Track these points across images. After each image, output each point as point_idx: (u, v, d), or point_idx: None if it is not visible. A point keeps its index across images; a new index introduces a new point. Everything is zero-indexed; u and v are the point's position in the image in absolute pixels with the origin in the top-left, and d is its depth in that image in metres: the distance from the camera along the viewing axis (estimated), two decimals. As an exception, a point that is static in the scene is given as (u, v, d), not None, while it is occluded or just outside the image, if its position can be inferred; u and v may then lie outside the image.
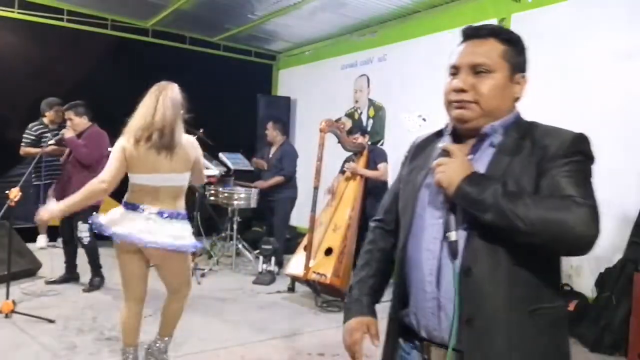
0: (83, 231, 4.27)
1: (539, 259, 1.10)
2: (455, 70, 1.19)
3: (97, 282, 4.43)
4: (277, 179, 5.53)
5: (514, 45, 1.21)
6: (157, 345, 2.93)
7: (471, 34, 1.21)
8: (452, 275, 1.09)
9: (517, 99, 1.22)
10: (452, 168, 1.11)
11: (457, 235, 1.10)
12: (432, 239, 1.16)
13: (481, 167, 1.14)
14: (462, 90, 1.16)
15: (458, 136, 1.22)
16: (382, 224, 1.42)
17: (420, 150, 1.33)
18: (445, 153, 1.15)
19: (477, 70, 1.16)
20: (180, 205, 2.65)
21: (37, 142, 5.06)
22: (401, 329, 1.27)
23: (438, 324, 1.14)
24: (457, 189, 1.09)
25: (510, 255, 1.08)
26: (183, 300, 2.85)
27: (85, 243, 4.33)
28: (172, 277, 2.76)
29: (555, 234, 1.01)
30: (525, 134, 1.15)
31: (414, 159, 1.33)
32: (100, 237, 2.58)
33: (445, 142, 1.21)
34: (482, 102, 1.15)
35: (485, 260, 1.09)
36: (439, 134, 1.31)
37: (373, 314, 1.36)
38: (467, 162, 1.12)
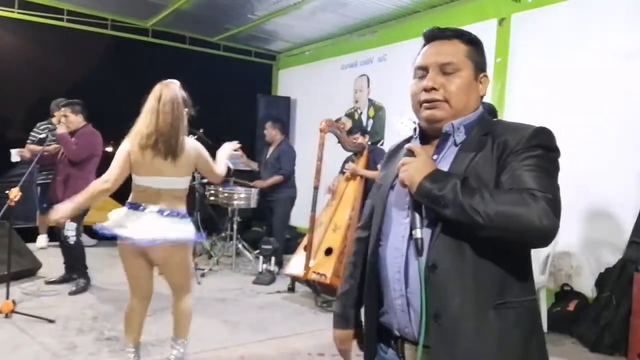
0: (70, 230, 4.21)
1: (504, 253, 1.10)
2: (422, 72, 1.22)
3: (82, 283, 4.34)
4: (276, 178, 5.53)
5: (476, 46, 1.24)
6: (175, 351, 2.87)
7: (435, 35, 1.24)
8: (418, 272, 1.11)
9: (481, 97, 1.26)
10: (414, 167, 1.13)
11: (422, 233, 1.11)
12: (400, 238, 1.19)
13: (445, 165, 1.16)
14: (432, 89, 1.18)
15: (426, 138, 1.26)
16: (364, 233, 1.42)
17: (392, 157, 1.37)
18: (410, 153, 1.19)
19: (445, 69, 1.19)
20: (181, 206, 2.68)
21: (43, 141, 5.07)
22: (378, 329, 1.28)
23: (409, 320, 1.16)
24: (419, 186, 1.11)
25: (475, 250, 1.09)
26: (188, 298, 2.85)
27: (71, 242, 4.27)
28: (174, 274, 2.76)
29: (514, 228, 1.02)
30: (487, 131, 1.17)
31: (386, 166, 1.37)
32: (102, 237, 2.58)
33: (412, 145, 1.25)
34: (452, 100, 1.18)
35: (450, 256, 1.10)
36: (409, 140, 1.34)
37: (359, 325, 1.42)
38: (429, 161, 1.15)
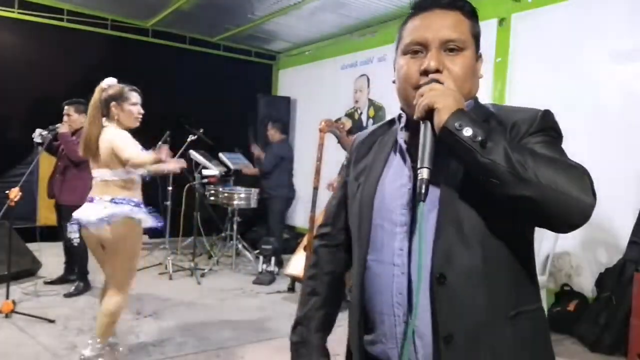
0: (72, 232, 4.22)
1: (516, 251, 0.96)
2: (418, 48, 1.01)
3: (80, 287, 4.32)
4: (253, 170, 5.82)
5: (476, 20, 1.06)
6: (88, 348, 2.76)
7: (434, 2, 1.02)
8: (418, 234, 0.88)
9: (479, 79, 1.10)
10: (441, 91, 0.92)
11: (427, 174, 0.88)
12: (398, 251, 0.98)
13: (444, 161, 0.95)
14: (437, 72, 0.98)
15: (413, 129, 1.02)
16: (326, 239, 1.23)
17: (367, 148, 1.14)
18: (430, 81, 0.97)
19: (448, 47, 0.99)
20: (124, 194, 2.76)
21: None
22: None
23: (414, 352, 0.95)
24: (457, 112, 0.88)
25: (485, 249, 0.92)
26: (115, 296, 2.74)
27: (75, 244, 4.29)
28: (105, 260, 2.82)
29: (562, 198, 0.82)
30: (487, 116, 1.01)
31: (360, 159, 1.13)
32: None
33: (401, 137, 1.06)
34: (457, 84, 0.98)
35: (460, 262, 0.92)
36: (389, 125, 1.15)
37: (325, 355, 1.21)
38: (459, 96, 0.93)
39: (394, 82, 1.09)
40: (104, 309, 2.76)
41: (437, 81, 0.96)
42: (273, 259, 5.13)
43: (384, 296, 1.00)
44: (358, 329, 1.07)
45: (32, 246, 4.57)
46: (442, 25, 1.00)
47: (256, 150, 6.08)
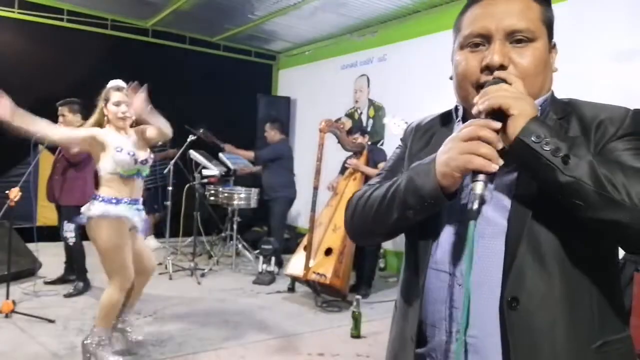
0: (68, 231, 4.23)
1: (599, 271, 0.83)
2: (479, 40, 0.88)
3: (80, 287, 4.31)
4: (248, 153, 5.77)
5: (547, 3, 0.93)
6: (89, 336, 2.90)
7: None
8: (467, 248, 0.79)
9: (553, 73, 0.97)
10: (519, 96, 0.80)
11: (484, 192, 0.77)
12: (457, 261, 0.89)
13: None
14: (501, 67, 0.85)
15: None
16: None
17: (424, 142, 1.03)
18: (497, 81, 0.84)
19: (515, 38, 0.86)
20: (101, 191, 2.83)
21: None
22: None
23: None
24: (535, 121, 0.76)
25: (565, 272, 0.81)
26: (110, 288, 2.84)
27: (70, 244, 4.30)
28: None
29: None
30: (565, 113, 0.89)
31: (417, 152, 1.02)
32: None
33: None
34: (527, 82, 0.85)
35: (535, 285, 0.80)
36: (444, 120, 1.03)
37: None
38: (535, 104, 0.82)
39: (451, 78, 0.97)
40: (103, 299, 2.86)
41: (504, 81, 0.83)
42: (273, 259, 5.13)
43: (437, 306, 0.90)
44: (412, 343, 0.93)
45: (31, 246, 4.56)
46: (507, 12, 0.87)
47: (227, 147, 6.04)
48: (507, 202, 0.85)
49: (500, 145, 0.78)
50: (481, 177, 0.77)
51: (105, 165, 2.81)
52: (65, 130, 2.89)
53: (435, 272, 0.91)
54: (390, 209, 0.90)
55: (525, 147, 0.76)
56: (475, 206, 0.76)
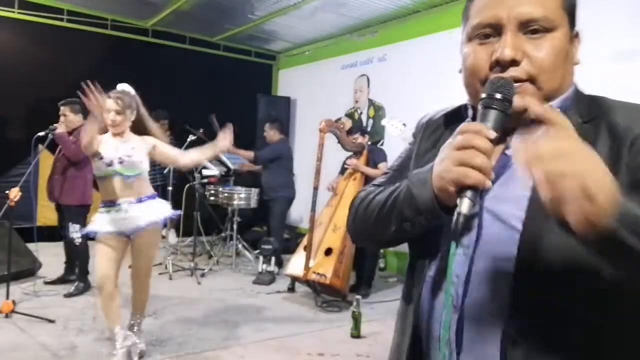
0: (74, 232, 4.23)
1: (620, 309, 0.71)
2: (488, 31, 0.78)
3: (80, 287, 4.31)
4: (248, 153, 5.66)
5: None
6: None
7: None
8: (447, 287, 0.73)
9: (575, 66, 0.84)
10: (579, 163, 0.57)
11: (471, 210, 0.68)
12: (454, 278, 0.79)
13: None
14: (512, 63, 0.75)
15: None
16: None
17: (432, 142, 0.93)
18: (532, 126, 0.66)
19: (529, 28, 0.75)
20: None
21: None
22: None
23: None
24: (621, 205, 0.56)
25: (578, 310, 0.70)
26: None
27: (77, 244, 4.31)
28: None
29: None
30: (591, 116, 0.76)
31: (424, 153, 0.93)
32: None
33: None
34: (543, 78, 0.75)
35: (542, 323, 0.71)
36: (452, 118, 0.91)
37: None
38: (587, 149, 0.59)
39: (460, 72, 0.87)
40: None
41: (519, 80, 0.74)
42: (273, 259, 5.13)
43: (431, 324, 0.82)
44: (406, 354, 0.87)
45: (31, 246, 4.56)
46: None
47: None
48: (517, 220, 0.74)
49: (494, 156, 0.71)
50: (469, 193, 0.68)
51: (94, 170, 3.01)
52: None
53: (430, 289, 0.84)
54: (389, 218, 0.83)
55: (612, 240, 0.57)
56: (458, 227, 0.67)
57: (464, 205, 0.68)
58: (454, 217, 0.67)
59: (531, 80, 0.75)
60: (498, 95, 0.71)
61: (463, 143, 0.70)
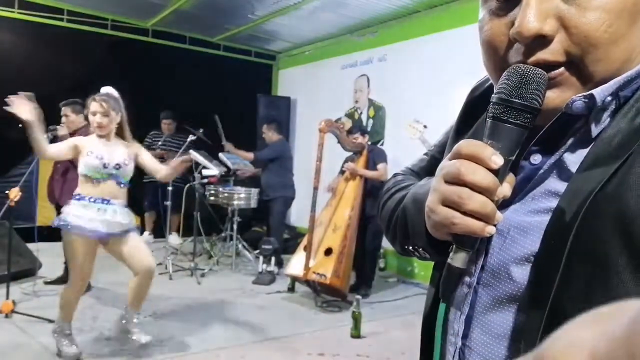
0: None
1: None
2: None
3: None
4: (248, 154, 5.80)
5: None
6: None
7: None
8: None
9: None
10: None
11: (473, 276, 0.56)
12: (466, 288, 0.61)
13: (557, 184, 0.54)
14: (538, 39, 0.51)
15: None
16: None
17: (469, 125, 0.69)
18: None
19: None
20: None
21: (148, 146, 5.58)
22: None
23: None
24: None
25: None
26: (67, 286, 3.12)
27: None
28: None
29: None
30: None
31: (460, 134, 0.69)
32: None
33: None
34: (594, 57, 0.50)
35: None
36: (483, 97, 0.67)
37: None
38: None
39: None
40: (61, 294, 3.15)
41: (553, 64, 0.51)
42: (273, 259, 5.13)
43: (437, 346, 0.66)
44: None
45: (31, 246, 4.57)
46: None
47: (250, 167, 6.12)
48: (529, 249, 0.54)
49: (501, 192, 0.53)
50: (465, 242, 0.52)
51: (79, 167, 2.96)
52: (54, 146, 3.01)
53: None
54: (394, 231, 0.69)
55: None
56: (449, 284, 0.54)
57: (457, 257, 0.53)
58: (444, 271, 0.54)
59: (573, 63, 0.51)
60: (516, 102, 0.50)
61: (453, 175, 0.52)
